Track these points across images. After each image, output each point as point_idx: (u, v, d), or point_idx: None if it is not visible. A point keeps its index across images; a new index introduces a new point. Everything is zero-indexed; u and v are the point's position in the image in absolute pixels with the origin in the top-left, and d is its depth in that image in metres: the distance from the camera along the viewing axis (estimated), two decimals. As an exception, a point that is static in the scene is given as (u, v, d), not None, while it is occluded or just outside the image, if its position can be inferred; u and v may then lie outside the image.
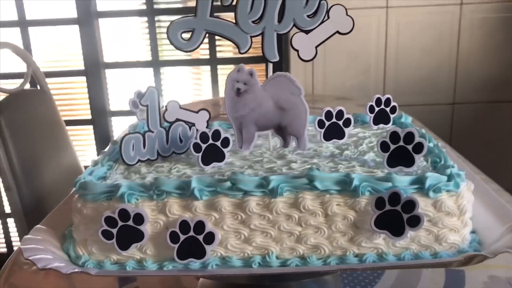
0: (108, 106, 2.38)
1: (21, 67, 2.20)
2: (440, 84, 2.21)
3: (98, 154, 2.37)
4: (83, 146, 2.44)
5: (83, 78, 2.32)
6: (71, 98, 2.43)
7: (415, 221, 0.60)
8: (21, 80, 1.59)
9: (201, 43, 0.77)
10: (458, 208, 0.63)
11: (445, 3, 2.09)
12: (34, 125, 1.58)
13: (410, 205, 0.60)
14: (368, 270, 0.72)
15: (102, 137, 2.39)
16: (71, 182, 0.68)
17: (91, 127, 2.40)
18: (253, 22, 0.76)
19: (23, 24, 2.22)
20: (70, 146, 1.76)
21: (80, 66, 2.30)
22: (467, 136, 2.25)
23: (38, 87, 1.69)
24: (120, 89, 2.42)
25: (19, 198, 1.45)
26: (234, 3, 0.75)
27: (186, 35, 0.78)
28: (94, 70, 2.28)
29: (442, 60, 2.18)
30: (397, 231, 0.61)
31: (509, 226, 0.64)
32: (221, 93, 2.31)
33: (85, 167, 1.66)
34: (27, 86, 1.65)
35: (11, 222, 2.33)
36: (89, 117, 2.38)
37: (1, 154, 1.40)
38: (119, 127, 2.44)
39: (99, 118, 2.37)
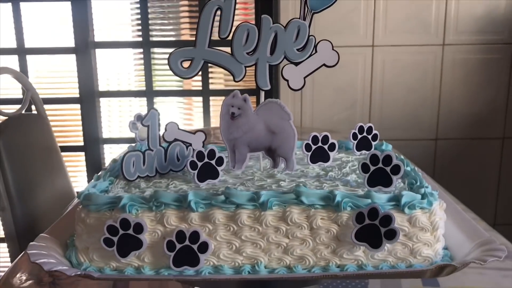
0: (101, 133, 2.43)
1: (17, 92, 2.27)
2: (423, 120, 2.29)
3: (88, 181, 2.40)
4: (74, 172, 2.47)
5: (77, 106, 2.38)
6: (64, 124, 2.48)
7: (392, 234, 0.66)
8: (17, 106, 1.64)
9: (199, 71, 0.84)
10: (431, 224, 0.69)
11: (428, 43, 2.20)
12: (30, 149, 1.62)
13: (387, 219, 0.66)
14: (349, 279, 0.77)
15: (94, 164, 2.43)
16: (63, 205, 0.73)
17: (83, 153, 2.44)
18: (247, 53, 0.83)
19: (21, 51, 2.29)
20: (64, 171, 1.80)
21: (75, 94, 2.36)
22: (449, 171, 2.32)
23: (35, 112, 1.74)
24: (113, 117, 2.48)
25: (13, 219, 1.48)
26: (230, 36, 0.83)
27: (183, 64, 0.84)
28: (88, 98, 2.34)
29: (425, 97, 2.26)
30: (375, 244, 0.67)
31: (477, 242, 0.70)
32: (212, 123, 2.38)
33: (77, 193, 1.70)
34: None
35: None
36: (82, 143, 2.43)
37: (-3, 174, 1.44)
38: (110, 154, 2.49)
39: (91, 145, 2.41)
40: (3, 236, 1.51)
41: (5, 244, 1.54)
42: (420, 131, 2.30)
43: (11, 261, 1.56)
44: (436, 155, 2.33)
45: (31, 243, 0.69)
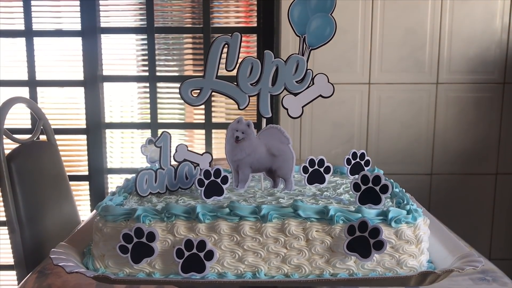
0: (106, 164, 2.50)
1: (24, 122, 2.36)
2: (418, 156, 2.35)
3: (92, 210, 2.44)
4: (78, 201, 2.52)
5: (83, 136, 2.46)
6: (70, 154, 2.54)
7: (380, 245, 0.74)
8: (25, 136, 1.71)
9: (207, 99, 0.92)
10: (415, 237, 0.77)
11: (422, 82, 2.29)
12: (40, 175, 1.69)
13: (376, 231, 0.74)
14: (341, 285, 0.83)
15: (97, 193, 2.49)
16: (69, 230, 0.79)
17: (87, 183, 2.50)
18: (251, 84, 0.92)
19: (32, 83, 2.39)
20: (71, 197, 1.87)
21: (82, 125, 2.44)
22: (445, 205, 2.37)
23: (46, 140, 1.82)
24: (116, 148, 2.55)
25: (22, 242, 1.54)
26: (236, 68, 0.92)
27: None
28: (95, 129, 2.43)
29: (420, 133, 2.34)
30: (365, 254, 0.74)
31: (458, 256, 0.78)
32: (214, 155, 2.44)
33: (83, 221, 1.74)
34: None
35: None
36: (86, 173, 2.49)
37: (9, 197, 1.51)
38: (111, 184, 2.55)
39: (96, 174, 2.48)
40: (5, 264, 1.54)
41: (8, 272, 1.57)
42: (415, 166, 2.36)
43: (18, 280, 1.60)
44: (432, 189, 2.39)
45: (53, 249, 0.76)
